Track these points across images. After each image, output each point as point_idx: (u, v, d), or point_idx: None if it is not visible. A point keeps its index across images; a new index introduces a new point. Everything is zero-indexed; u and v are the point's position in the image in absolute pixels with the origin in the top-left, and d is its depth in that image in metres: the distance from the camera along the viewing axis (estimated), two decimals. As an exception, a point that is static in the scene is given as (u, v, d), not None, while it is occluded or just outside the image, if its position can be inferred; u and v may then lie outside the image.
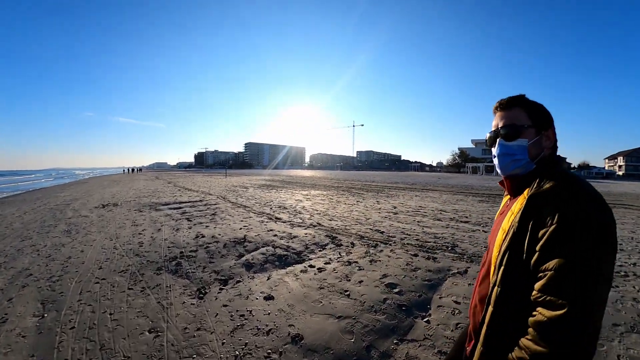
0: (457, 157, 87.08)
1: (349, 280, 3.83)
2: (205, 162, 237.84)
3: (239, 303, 3.28)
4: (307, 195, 14.10)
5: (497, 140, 1.01)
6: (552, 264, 0.73)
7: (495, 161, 1.03)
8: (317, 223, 7.27)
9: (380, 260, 4.54)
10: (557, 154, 1.01)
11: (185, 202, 11.09)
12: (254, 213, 8.67)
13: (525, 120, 0.97)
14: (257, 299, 3.37)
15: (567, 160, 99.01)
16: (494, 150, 1.03)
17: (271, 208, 9.63)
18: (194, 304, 3.25)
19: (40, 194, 17.55)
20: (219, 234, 6.09)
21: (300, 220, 7.56)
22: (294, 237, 5.97)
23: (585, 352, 0.68)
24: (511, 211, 0.94)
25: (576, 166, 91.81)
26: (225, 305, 3.21)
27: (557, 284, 0.72)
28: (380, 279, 3.86)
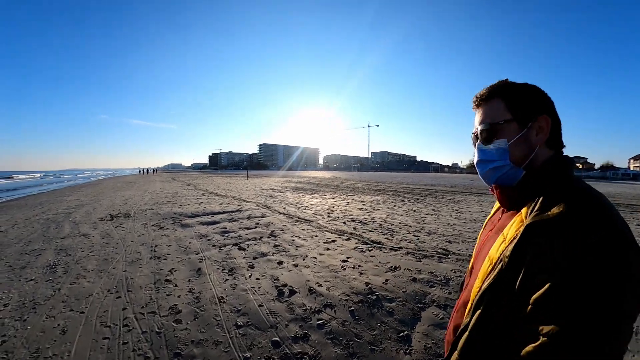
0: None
1: None
2: (219, 163, 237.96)
3: None
4: (363, 201, 11.30)
5: (476, 143, 0.77)
6: (547, 329, 0.50)
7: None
8: (443, 249, 4.57)
9: None
10: (563, 150, 0.71)
11: (219, 213, 8.39)
12: (331, 232, 5.90)
13: (502, 114, 0.70)
14: None
15: (590, 161, 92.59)
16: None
17: (345, 223, 6.85)
18: None
19: (45, 197, 15.37)
20: (317, 283, 3.33)
21: (414, 246, 4.79)
22: (446, 279, 3.25)
23: None
24: (503, 236, 0.65)
25: (599, 167, 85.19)
26: None
27: (549, 357, 0.49)
28: None
